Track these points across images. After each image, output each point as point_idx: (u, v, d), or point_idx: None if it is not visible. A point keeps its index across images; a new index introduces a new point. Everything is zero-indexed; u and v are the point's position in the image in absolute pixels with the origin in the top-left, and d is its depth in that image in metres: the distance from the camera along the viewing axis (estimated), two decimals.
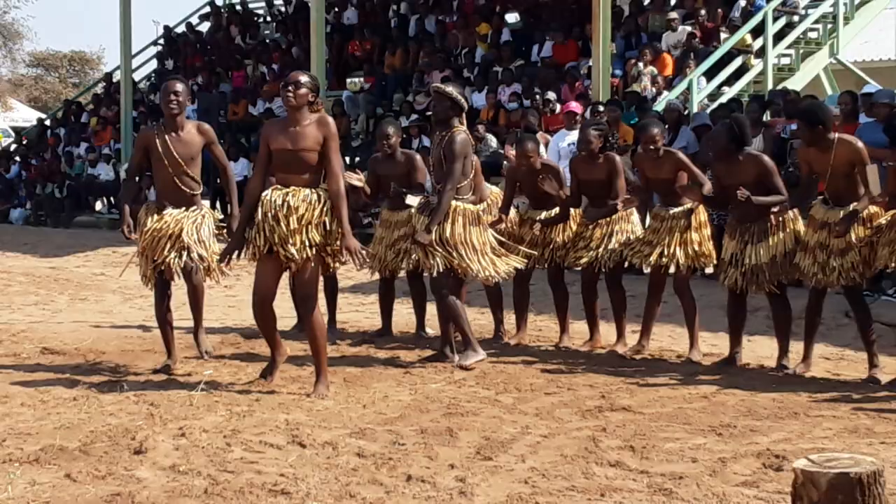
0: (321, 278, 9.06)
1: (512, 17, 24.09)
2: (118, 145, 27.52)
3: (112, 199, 26.08)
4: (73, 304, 14.06)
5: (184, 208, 9.47)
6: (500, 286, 11.07)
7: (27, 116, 46.72)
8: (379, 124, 11.75)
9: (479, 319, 11.93)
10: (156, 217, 9.43)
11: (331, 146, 8.39)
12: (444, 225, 9.64)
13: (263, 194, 8.43)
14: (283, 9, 32.01)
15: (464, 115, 9.90)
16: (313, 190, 8.41)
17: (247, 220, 8.52)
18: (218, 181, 11.24)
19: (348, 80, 26.09)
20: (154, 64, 33.53)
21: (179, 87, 9.41)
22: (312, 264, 8.41)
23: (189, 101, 9.65)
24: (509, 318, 11.41)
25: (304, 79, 8.44)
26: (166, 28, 33.96)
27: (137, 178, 10.11)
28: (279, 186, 8.43)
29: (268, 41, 30.34)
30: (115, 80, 31.50)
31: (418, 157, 11.31)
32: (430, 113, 12.14)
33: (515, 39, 23.60)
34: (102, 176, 26.94)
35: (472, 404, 8.24)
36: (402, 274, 11.46)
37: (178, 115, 9.41)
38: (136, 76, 31.03)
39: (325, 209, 8.36)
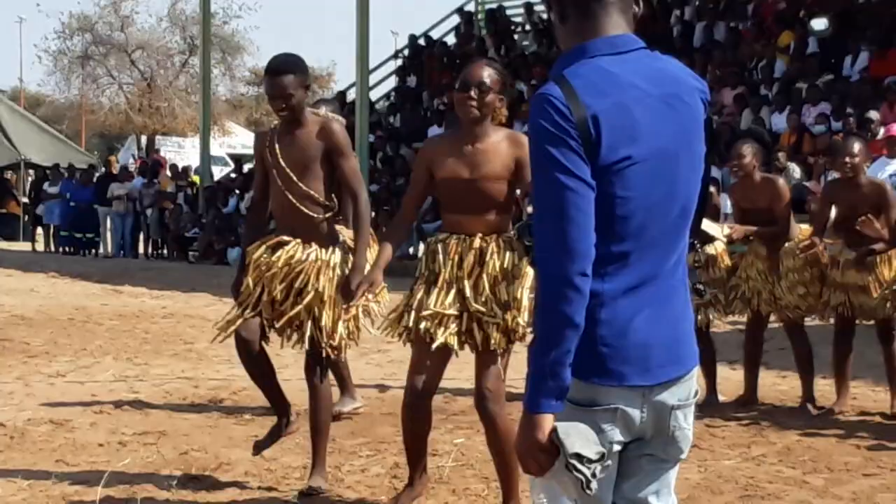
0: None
1: (819, 24, 23.75)
2: None
3: None
4: (299, 359, 14.27)
5: (304, 242, 7.92)
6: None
7: (246, 142, 47.74)
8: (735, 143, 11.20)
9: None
10: (266, 254, 8.03)
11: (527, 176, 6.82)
12: None
13: (439, 236, 7.23)
14: (544, 16, 32.23)
15: None
16: (501, 237, 7.05)
17: (386, 259, 7.30)
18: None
19: None
20: (393, 81, 34.11)
21: (287, 80, 7.62)
22: (504, 345, 7.06)
23: (305, 95, 7.75)
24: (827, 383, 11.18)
25: (488, 75, 6.93)
26: (411, 37, 34.49)
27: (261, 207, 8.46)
28: (462, 235, 7.10)
29: (526, 53, 30.64)
30: (348, 99, 31.59)
31: (781, 181, 11.15)
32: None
33: (823, 50, 23.35)
34: None
35: (775, 486, 8.16)
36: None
37: (286, 112, 7.75)
38: (373, 95, 31.50)
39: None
